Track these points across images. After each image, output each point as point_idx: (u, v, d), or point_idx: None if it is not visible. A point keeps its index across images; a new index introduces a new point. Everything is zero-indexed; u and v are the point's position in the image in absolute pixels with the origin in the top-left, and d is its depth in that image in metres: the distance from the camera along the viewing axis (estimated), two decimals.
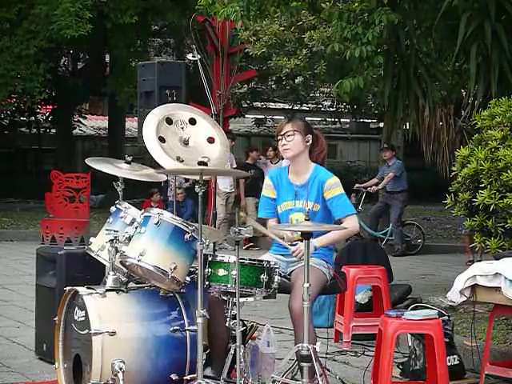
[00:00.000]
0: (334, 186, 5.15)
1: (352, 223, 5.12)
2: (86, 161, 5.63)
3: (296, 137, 5.20)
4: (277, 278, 4.72)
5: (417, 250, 13.95)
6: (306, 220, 4.68)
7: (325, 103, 27.81)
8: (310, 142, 5.24)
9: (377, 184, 14.07)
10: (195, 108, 5.77)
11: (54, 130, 26.04)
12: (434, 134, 8.87)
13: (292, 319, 4.85)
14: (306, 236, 4.56)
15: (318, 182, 5.17)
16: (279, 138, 5.25)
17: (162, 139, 5.28)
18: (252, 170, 14.51)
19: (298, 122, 5.28)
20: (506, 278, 4.91)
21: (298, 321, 4.75)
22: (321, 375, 4.65)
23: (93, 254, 5.41)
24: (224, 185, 14.16)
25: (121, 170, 5.56)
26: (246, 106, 25.19)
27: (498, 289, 4.96)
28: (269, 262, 4.74)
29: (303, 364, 4.52)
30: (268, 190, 5.33)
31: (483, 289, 5.07)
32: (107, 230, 5.25)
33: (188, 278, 4.97)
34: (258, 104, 26.76)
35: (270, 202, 5.32)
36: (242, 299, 4.64)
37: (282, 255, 5.18)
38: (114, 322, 4.87)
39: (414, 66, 8.36)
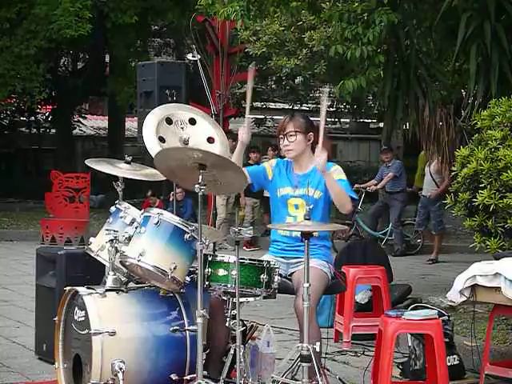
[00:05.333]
0: (337, 172, 5.13)
1: (347, 197, 5.07)
2: (86, 162, 5.63)
3: (298, 137, 5.18)
4: (277, 278, 4.72)
5: (417, 250, 13.94)
6: (305, 219, 4.67)
7: None
8: (312, 139, 5.22)
9: (376, 184, 14.07)
10: (195, 108, 5.77)
11: (53, 130, 26.02)
12: (434, 134, 8.86)
13: (298, 319, 4.85)
14: (306, 236, 4.56)
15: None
16: (281, 136, 5.23)
17: (161, 139, 5.28)
18: None
19: (299, 120, 5.23)
20: (505, 278, 4.92)
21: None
22: (321, 375, 4.65)
23: (93, 254, 5.41)
24: None
25: (121, 170, 5.56)
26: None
27: (497, 289, 4.97)
28: (269, 262, 4.74)
29: (303, 364, 4.52)
30: (268, 165, 5.34)
31: (483, 289, 5.07)
32: (107, 229, 5.25)
33: (188, 278, 4.97)
34: (258, 104, 26.73)
35: (261, 172, 5.31)
36: (242, 299, 4.64)
37: (282, 257, 5.18)
38: (114, 322, 4.87)
39: (414, 66, 8.36)
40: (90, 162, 5.61)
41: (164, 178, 5.66)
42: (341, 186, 5.04)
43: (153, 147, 5.22)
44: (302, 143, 5.20)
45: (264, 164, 5.43)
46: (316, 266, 4.98)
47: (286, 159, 5.36)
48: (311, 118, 5.38)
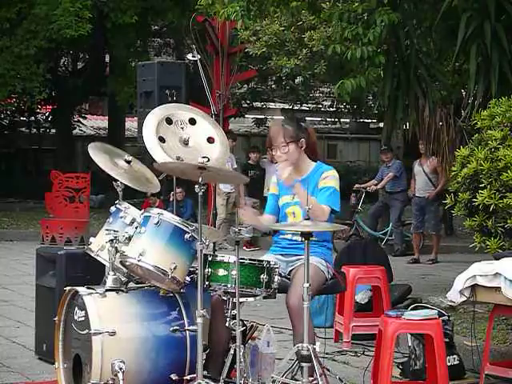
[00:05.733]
0: (329, 178, 5.12)
1: (322, 209, 4.97)
2: (89, 147, 5.50)
3: (290, 147, 5.14)
4: (277, 278, 4.72)
5: None
6: (305, 219, 4.67)
7: (325, 103, 27.79)
8: (304, 145, 5.20)
9: (376, 185, 14.07)
10: (195, 108, 5.76)
11: (53, 130, 26.03)
12: (434, 134, 8.86)
13: (290, 316, 4.86)
14: (306, 236, 4.55)
15: (318, 174, 5.16)
16: (272, 147, 5.18)
17: (161, 139, 5.28)
18: (252, 171, 14.50)
19: (288, 129, 5.16)
20: (505, 278, 4.91)
21: (295, 317, 4.76)
22: (321, 375, 4.65)
23: (93, 254, 5.41)
24: (224, 185, 14.16)
25: (120, 170, 5.53)
26: (245, 105, 25.16)
27: (497, 289, 4.97)
28: (269, 261, 4.74)
29: (303, 364, 4.52)
30: (273, 187, 5.37)
31: (483, 289, 5.07)
32: (107, 229, 5.25)
33: (188, 278, 4.97)
34: (258, 104, 26.72)
35: (276, 198, 5.31)
36: (242, 299, 4.64)
37: (281, 255, 5.19)
38: (114, 322, 4.87)
39: (414, 66, 8.36)
40: (91, 148, 5.49)
41: (157, 190, 5.68)
42: (315, 200, 4.90)
43: (153, 147, 5.22)
44: (295, 152, 5.16)
45: (270, 190, 5.38)
46: (312, 262, 4.94)
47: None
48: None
